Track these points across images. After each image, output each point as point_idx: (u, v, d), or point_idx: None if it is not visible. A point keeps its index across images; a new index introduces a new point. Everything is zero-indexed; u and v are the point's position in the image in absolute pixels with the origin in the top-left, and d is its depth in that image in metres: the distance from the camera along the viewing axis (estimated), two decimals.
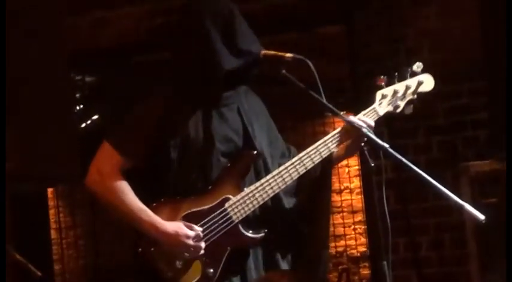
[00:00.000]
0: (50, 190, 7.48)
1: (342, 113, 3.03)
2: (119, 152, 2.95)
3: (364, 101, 3.14)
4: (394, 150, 2.86)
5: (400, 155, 2.86)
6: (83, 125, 7.31)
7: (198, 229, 2.92)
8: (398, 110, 3.14)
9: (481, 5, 5.14)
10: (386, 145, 2.86)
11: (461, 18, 5.28)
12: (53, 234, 7.93)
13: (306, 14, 5.64)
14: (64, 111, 1.18)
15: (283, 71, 2.97)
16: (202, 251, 2.92)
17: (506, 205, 3.79)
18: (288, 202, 3.12)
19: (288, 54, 2.96)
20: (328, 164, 3.11)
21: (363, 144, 2.97)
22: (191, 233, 2.91)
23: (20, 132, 1.19)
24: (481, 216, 2.70)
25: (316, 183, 3.13)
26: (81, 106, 6.96)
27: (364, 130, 2.93)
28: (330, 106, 2.96)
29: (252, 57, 2.99)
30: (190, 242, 2.90)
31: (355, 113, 3.09)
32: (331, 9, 5.59)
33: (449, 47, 5.30)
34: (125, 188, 2.94)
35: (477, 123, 5.24)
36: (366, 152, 2.96)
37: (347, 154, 3.13)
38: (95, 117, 7.45)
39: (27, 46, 1.23)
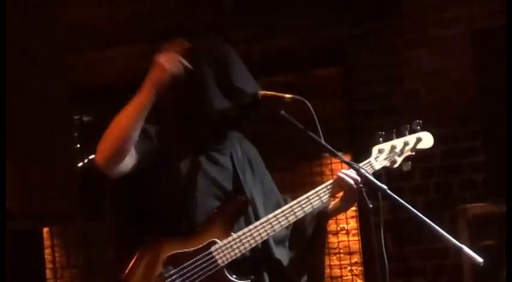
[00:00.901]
0: (45, 229, 7.44)
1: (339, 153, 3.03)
2: None
3: (360, 142, 3.15)
4: (391, 192, 2.85)
5: (398, 197, 2.85)
6: (80, 164, 7.28)
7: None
8: (396, 166, 3.13)
9: (474, 47, 5.18)
10: (384, 186, 2.86)
11: (456, 60, 5.32)
12: (48, 273, 7.87)
13: (302, 56, 5.68)
14: (63, 151, 1.19)
15: (282, 112, 2.99)
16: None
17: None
18: (279, 251, 3.10)
19: (287, 95, 2.97)
20: (323, 218, 3.11)
21: (361, 185, 2.97)
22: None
23: (18, 171, 1.18)
24: (480, 259, 2.69)
25: (311, 237, 3.11)
26: (78, 145, 6.95)
27: (363, 171, 2.94)
28: (329, 147, 2.97)
29: (246, 96, 3.00)
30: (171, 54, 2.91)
31: (352, 155, 3.10)
32: (327, 51, 5.63)
33: (445, 89, 5.33)
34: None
35: (474, 166, 5.24)
36: (364, 193, 2.96)
37: (342, 208, 3.11)
38: (92, 156, 7.43)
39: (29, 86, 1.24)
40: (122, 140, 2.85)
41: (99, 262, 7.59)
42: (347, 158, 3.07)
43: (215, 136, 3.06)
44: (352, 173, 2.99)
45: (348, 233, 8.58)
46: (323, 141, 2.97)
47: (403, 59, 5.45)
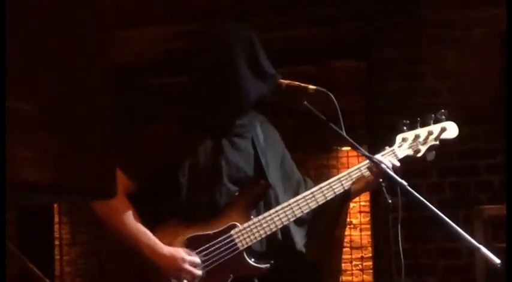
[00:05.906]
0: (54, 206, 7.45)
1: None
2: (126, 176, 2.95)
3: (379, 137, 3.14)
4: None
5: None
6: None
7: (196, 256, 2.90)
8: (419, 155, 3.13)
9: (501, 47, 5.13)
10: (404, 182, 2.85)
11: (481, 60, 5.26)
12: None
13: (323, 48, 5.65)
14: (104, 124, 1.19)
15: (305, 102, 2.98)
16: (199, 274, 2.89)
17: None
18: (300, 236, 3.10)
19: (311, 86, 2.98)
20: (345, 199, 3.10)
21: (381, 180, 2.97)
22: (188, 258, 2.89)
23: (57, 144, 1.18)
24: (497, 260, 2.68)
25: (331, 218, 3.12)
26: None
27: (383, 166, 2.93)
28: (350, 140, 2.96)
29: (274, 82, 3.00)
30: (186, 266, 2.87)
31: (367, 150, 3.10)
32: (348, 44, 5.59)
33: (467, 89, 5.29)
34: (126, 210, 2.94)
35: (492, 168, 5.20)
36: (383, 188, 2.95)
37: (365, 189, 3.13)
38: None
39: (74, 55, 1.23)
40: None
41: (107, 241, 7.59)
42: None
43: (237, 121, 3.05)
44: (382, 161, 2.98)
45: (355, 227, 8.59)
46: (344, 134, 2.96)
47: (426, 56, 5.40)
